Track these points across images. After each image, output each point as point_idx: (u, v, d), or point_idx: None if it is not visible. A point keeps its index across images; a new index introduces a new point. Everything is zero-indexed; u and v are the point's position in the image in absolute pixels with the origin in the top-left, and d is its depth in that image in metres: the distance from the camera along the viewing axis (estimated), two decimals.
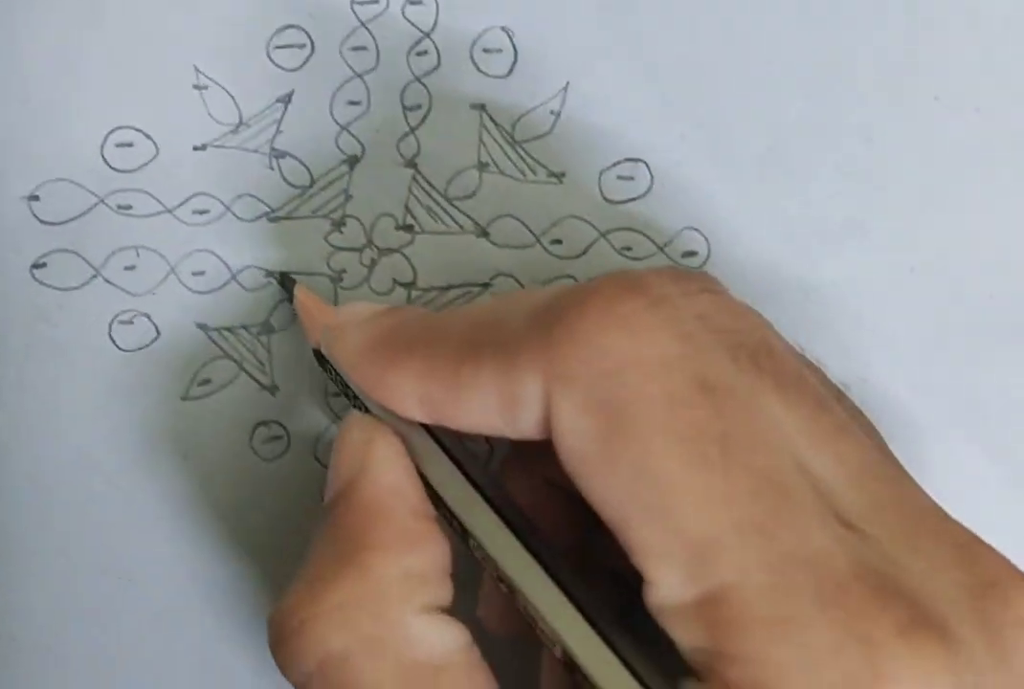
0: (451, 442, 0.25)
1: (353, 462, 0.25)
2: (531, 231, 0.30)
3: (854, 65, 0.30)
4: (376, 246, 0.30)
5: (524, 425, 0.23)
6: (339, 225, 0.30)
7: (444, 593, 0.24)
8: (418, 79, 0.30)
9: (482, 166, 0.30)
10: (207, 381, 0.30)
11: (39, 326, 0.30)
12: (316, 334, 0.27)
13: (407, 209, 0.30)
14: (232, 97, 0.30)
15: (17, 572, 0.30)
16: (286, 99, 0.30)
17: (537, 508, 0.27)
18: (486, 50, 0.30)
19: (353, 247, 0.30)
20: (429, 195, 0.30)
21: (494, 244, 0.30)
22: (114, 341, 0.30)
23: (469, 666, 0.24)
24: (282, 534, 0.30)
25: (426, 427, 0.25)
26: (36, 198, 0.30)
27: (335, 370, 0.26)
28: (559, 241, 0.30)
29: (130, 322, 0.30)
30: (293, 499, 0.30)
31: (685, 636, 0.21)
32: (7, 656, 0.30)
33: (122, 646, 0.30)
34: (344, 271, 0.30)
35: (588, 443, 0.22)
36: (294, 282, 0.29)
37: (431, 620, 0.24)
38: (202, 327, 0.30)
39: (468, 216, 0.30)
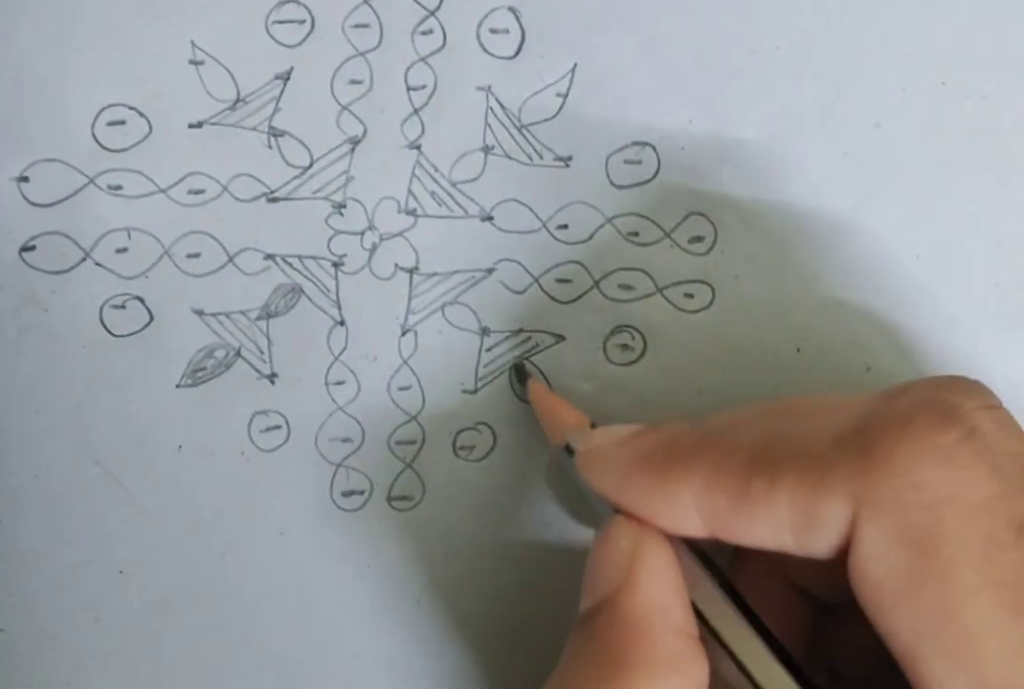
0: (702, 557, 0.25)
1: (618, 571, 0.24)
2: (537, 216, 0.30)
3: (862, 49, 0.30)
4: (378, 230, 0.29)
5: (817, 546, 0.22)
6: (340, 207, 0.29)
7: None
8: (423, 59, 0.29)
9: (487, 149, 0.29)
10: (202, 368, 0.29)
11: (29, 311, 0.28)
12: (558, 434, 0.27)
13: (410, 192, 0.29)
14: (230, 73, 0.29)
15: (7, 563, 0.29)
16: (285, 76, 0.29)
17: (770, 605, 0.26)
18: (493, 31, 0.29)
19: (354, 231, 0.29)
20: (433, 178, 0.29)
21: (499, 229, 0.30)
22: (105, 326, 0.29)
23: None
24: (280, 528, 0.29)
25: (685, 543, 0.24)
26: (26, 179, 0.28)
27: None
28: (565, 226, 0.30)
29: (122, 306, 0.29)
30: (292, 491, 0.29)
31: None
32: None
33: (113, 639, 0.29)
34: (345, 255, 0.29)
35: (894, 575, 0.21)
36: (528, 376, 0.29)
37: None
38: (198, 312, 0.29)
39: (472, 200, 0.29)
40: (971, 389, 0.23)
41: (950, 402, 0.23)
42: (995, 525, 0.21)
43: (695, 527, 0.23)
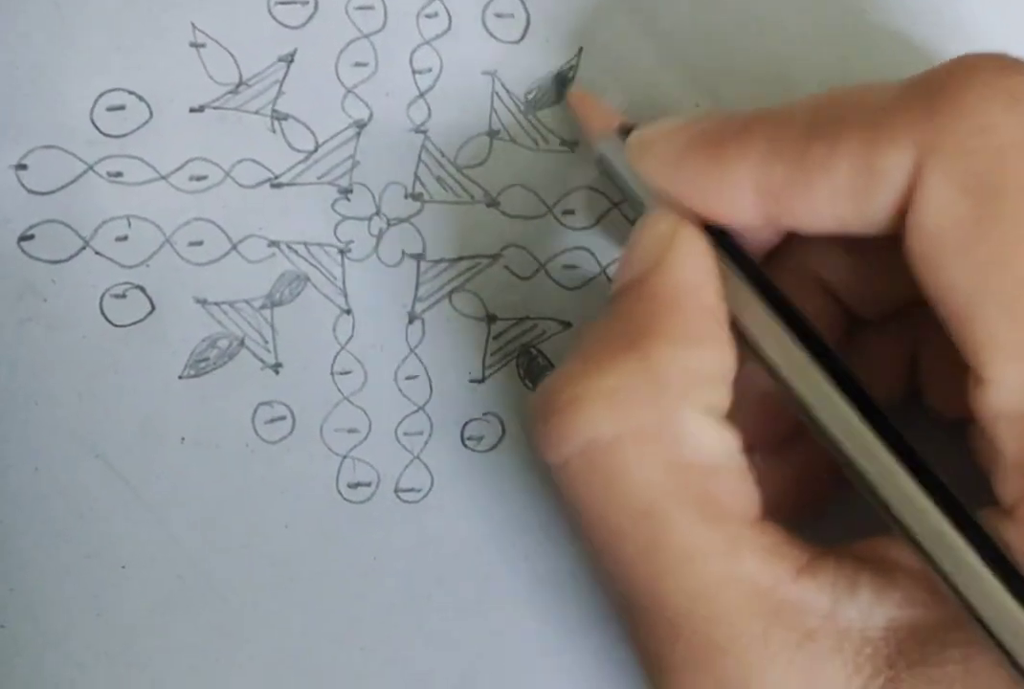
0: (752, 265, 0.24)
1: (651, 254, 0.23)
2: (543, 201, 0.29)
3: (874, 40, 0.29)
4: (385, 215, 0.29)
5: (877, 207, 0.21)
6: (346, 192, 0.29)
7: (723, 398, 0.23)
8: (428, 42, 0.29)
9: (493, 133, 0.29)
10: (205, 358, 0.29)
11: (28, 301, 0.28)
12: (607, 125, 0.26)
13: (416, 177, 0.29)
14: (231, 55, 0.28)
15: (7, 558, 0.28)
16: (288, 58, 0.28)
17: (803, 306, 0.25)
18: (498, 15, 0.29)
19: (361, 216, 0.29)
20: (439, 162, 0.29)
21: (504, 214, 0.29)
22: (106, 316, 0.28)
23: (739, 472, 0.23)
24: (285, 521, 0.29)
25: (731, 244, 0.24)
26: (24, 167, 0.28)
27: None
28: (571, 211, 0.29)
29: (123, 296, 0.28)
30: (298, 483, 0.29)
31: (1016, 448, 0.20)
32: None
33: (115, 635, 0.29)
34: (352, 241, 0.29)
35: (954, 224, 0.20)
36: (568, 82, 0.28)
37: (707, 421, 0.22)
38: (200, 301, 0.28)
39: (478, 185, 0.29)
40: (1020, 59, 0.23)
41: (1015, 58, 0.22)
42: None
43: (749, 209, 0.23)
